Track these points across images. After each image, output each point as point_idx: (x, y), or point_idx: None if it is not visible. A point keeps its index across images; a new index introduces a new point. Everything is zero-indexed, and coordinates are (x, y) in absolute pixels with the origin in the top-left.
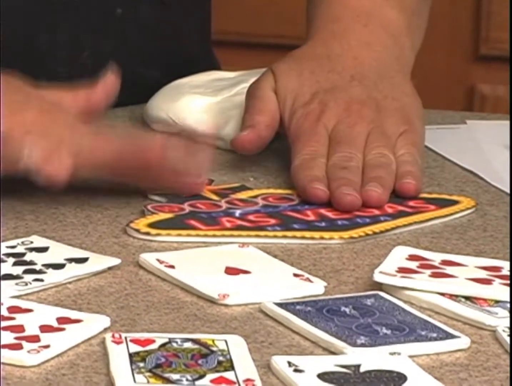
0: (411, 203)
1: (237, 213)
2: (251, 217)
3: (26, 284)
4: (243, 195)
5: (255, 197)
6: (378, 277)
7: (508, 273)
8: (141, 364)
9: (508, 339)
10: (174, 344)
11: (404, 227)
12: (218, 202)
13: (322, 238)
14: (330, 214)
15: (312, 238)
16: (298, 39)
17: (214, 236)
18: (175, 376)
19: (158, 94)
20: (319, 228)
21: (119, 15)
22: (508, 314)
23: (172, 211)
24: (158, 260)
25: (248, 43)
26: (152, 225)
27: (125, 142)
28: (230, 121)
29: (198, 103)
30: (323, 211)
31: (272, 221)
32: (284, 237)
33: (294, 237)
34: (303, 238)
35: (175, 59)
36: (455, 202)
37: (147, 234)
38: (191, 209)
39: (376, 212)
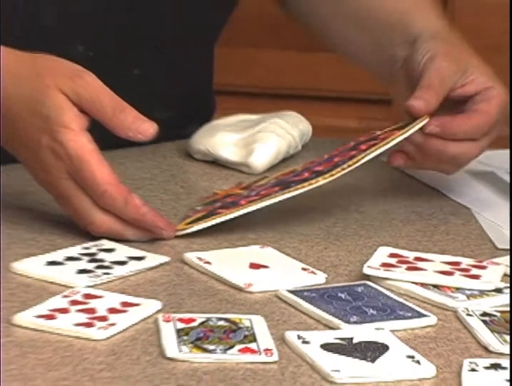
0: (382, 136)
1: (253, 193)
2: (262, 192)
3: (97, 277)
4: (261, 181)
5: (270, 179)
6: (366, 270)
7: (466, 266)
8: (185, 338)
9: (467, 318)
10: (210, 322)
11: (372, 154)
12: (243, 193)
13: (310, 184)
14: (320, 168)
15: (303, 187)
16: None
17: (231, 212)
18: (211, 347)
19: (198, 132)
20: (309, 179)
21: (136, 75)
22: (465, 298)
23: (207, 210)
24: (198, 257)
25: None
26: (189, 223)
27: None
28: (254, 152)
29: (229, 138)
30: (316, 168)
31: (276, 188)
32: (282, 194)
33: (289, 192)
34: (296, 190)
35: (184, 103)
36: (414, 119)
37: (183, 229)
38: (220, 203)
39: (353, 152)
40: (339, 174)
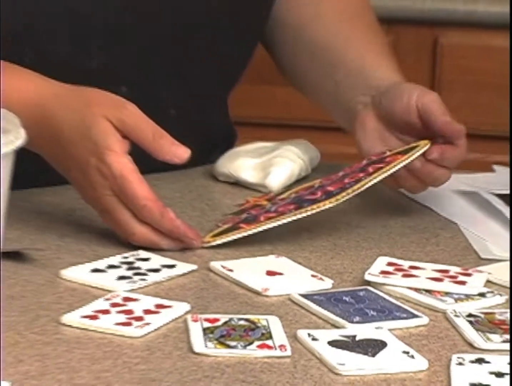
0: (388, 159)
1: (273, 208)
2: (280, 209)
3: (135, 282)
4: (284, 194)
5: (291, 193)
6: (367, 277)
7: (454, 274)
8: (211, 335)
9: (455, 318)
10: (232, 322)
11: (376, 178)
12: (266, 205)
13: (318, 207)
14: (331, 188)
15: (312, 209)
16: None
17: (250, 229)
18: (233, 343)
19: (222, 157)
20: (319, 201)
21: (172, 114)
22: (453, 301)
23: (233, 221)
24: (222, 265)
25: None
26: (214, 235)
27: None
28: (270, 174)
29: (248, 163)
30: (328, 188)
31: (291, 207)
32: (294, 215)
33: (300, 213)
34: (306, 211)
35: (211, 135)
36: (415, 146)
37: (209, 242)
38: (246, 215)
39: (361, 174)
40: (344, 199)
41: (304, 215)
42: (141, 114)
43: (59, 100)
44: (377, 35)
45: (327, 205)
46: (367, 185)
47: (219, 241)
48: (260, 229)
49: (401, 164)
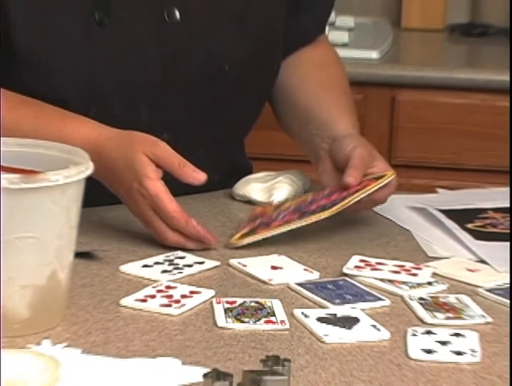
0: (363, 183)
1: (280, 216)
2: (286, 218)
3: (174, 274)
4: (286, 204)
5: (290, 204)
6: (345, 270)
7: (408, 268)
8: (230, 313)
9: (410, 301)
10: (246, 304)
11: (356, 198)
12: (273, 213)
13: (316, 217)
14: (323, 202)
15: (310, 219)
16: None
17: (264, 233)
18: (246, 319)
19: (238, 182)
20: (314, 212)
21: (201, 154)
22: (408, 288)
23: (250, 226)
24: (238, 262)
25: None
26: (238, 238)
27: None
28: (273, 195)
29: (258, 186)
30: (321, 202)
31: (295, 216)
32: (299, 222)
33: (305, 221)
34: (309, 220)
35: (231, 169)
36: (384, 175)
37: (234, 244)
38: (259, 222)
39: (344, 193)
40: (335, 212)
41: (306, 223)
42: (169, 149)
43: (110, 141)
44: (347, 97)
45: (323, 215)
46: (350, 202)
47: (244, 243)
48: (274, 233)
49: (376, 187)
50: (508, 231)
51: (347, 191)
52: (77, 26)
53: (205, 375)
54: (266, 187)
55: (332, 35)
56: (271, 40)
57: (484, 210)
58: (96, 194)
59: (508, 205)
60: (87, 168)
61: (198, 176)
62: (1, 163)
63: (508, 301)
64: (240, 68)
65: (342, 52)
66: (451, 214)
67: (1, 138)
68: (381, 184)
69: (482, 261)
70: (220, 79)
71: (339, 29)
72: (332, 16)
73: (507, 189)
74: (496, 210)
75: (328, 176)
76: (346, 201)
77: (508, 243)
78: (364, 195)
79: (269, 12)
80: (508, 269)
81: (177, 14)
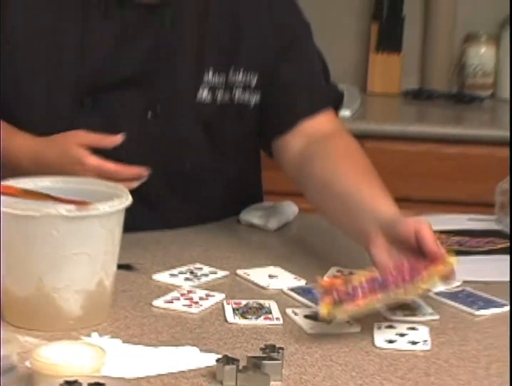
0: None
1: (359, 291)
2: (367, 295)
3: (194, 282)
4: (355, 280)
5: (361, 280)
6: (325, 278)
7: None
8: (237, 312)
9: None
10: (249, 304)
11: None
12: (346, 288)
13: (396, 296)
14: (400, 281)
15: (394, 296)
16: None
17: (352, 310)
18: (249, 316)
19: (242, 212)
20: (398, 289)
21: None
22: None
23: (330, 299)
24: (244, 272)
25: None
26: (327, 309)
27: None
28: (269, 221)
29: (257, 214)
30: (399, 280)
31: (377, 293)
32: (382, 301)
33: (386, 300)
34: (391, 299)
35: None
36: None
37: (330, 316)
38: (337, 294)
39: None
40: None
41: (392, 300)
42: (87, 133)
43: (46, 143)
44: (378, 179)
45: (408, 296)
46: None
47: (343, 316)
48: (367, 307)
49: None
50: (452, 249)
51: (417, 271)
52: (65, 103)
53: (217, 360)
54: (263, 215)
55: None
56: (236, 152)
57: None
58: (134, 221)
59: (451, 228)
60: (127, 200)
61: (115, 139)
62: (59, 196)
63: (452, 302)
64: (200, 169)
65: None
66: None
67: (53, 176)
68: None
69: None
70: (179, 170)
71: None
72: None
73: (449, 216)
74: (443, 231)
75: (382, 255)
76: (424, 283)
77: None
78: (436, 279)
79: (240, 127)
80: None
81: (158, 111)
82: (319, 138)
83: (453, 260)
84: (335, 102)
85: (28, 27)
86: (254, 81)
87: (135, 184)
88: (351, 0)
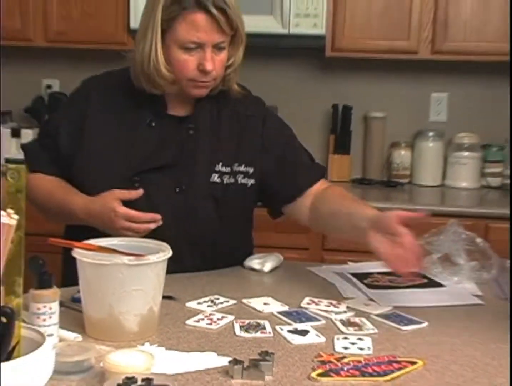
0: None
1: (345, 368)
2: (350, 372)
3: (213, 308)
4: (346, 360)
5: (350, 360)
6: (302, 305)
7: (335, 303)
8: (242, 328)
9: (336, 321)
10: (250, 323)
11: (397, 375)
12: (337, 363)
13: (368, 381)
14: (376, 369)
15: (367, 381)
16: None
17: (334, 379)
18: (251, 331)
19: (245, 260)
20: (371, 375)
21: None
22: (334, 314)
23: (323, 368)
24: (247, 301)
25: None
26: (317, 375)
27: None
28: (264, 266)
29: (256, 261)
30: (375, 368)
31: (357, 373)
32: (359, 379)
33: (362, 380)
34: (365, 380)
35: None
36: (415, 362)
37: (316, 379)
38: (329, 366)
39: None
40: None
41: (366, 381)
42: (120, 191)
43: (94, 200)
44: (358, 200)
45: (377, 381)
46: (395, 375)
47: (324, 381)
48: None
49: (408, 369)
50: (387, 284)
51: (392, 367)
52: (122, 181)
53: (229, 362)
54: (260, 262)
55: None
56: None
57: (372, 273)
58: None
59: (385, 270)
60: (168, 253)
61: (136, 193)
62: (123, 250)
63: (387, 321)
64: (211, 232)
65: None
66: (355, 275)
67: (121, 237)
68: (412, 369)
69: (372, 300)
70: (196, 232)
71: None
72: None
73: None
74: (379, 273)
75: (381, 244)
76: (395, 375)
77: (384, 290)
78: (402, 373)
79: (240, 201)
80: (389, 304)
81: (183, 188)
82: (320, 193)
83: (420, 364)
84: (322, 173)
85: (100, 135)
86: (251, 171)
87: (152, 226)
88: (316, 121)
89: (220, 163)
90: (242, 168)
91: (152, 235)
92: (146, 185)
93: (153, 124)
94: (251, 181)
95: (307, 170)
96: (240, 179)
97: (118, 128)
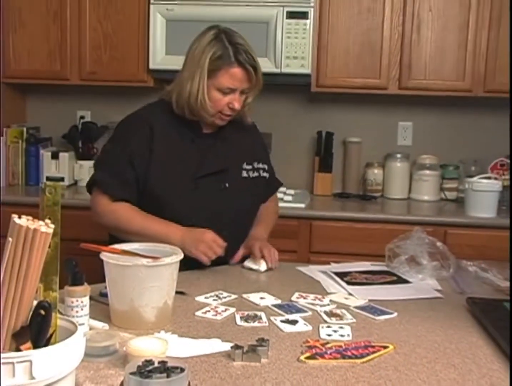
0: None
1: (329, 352)
2: (333, 355)
3: (218, 301)
4: (330, 345)
5: (332, 345)
6: (292, 299)
7: (320, 297)
8: (242, 319)
9: (321, 313)
10: (249, 314)
11: (371, 357)
12: (322, 348)
13: (349, 362)
14: (354, 352)
15: (348, 362)
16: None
17: (324, 361)
18: (249, 321)
19: (244, 261)
20: (351, 357)
21: (225, 235)
22: (319, 306)
23: (310, 352)
24: (246, 295)
25: None
26: (306, 357)
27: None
28: (260, 266)
29: (253, 262)
30: (353, 351)
31: (338, 355)
32: (341, 361)
33: (343, 361)
34: (347, 362)
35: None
36: (387, 346)
37: (304, 362)
38: (315, 351)
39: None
40: (361, 362)
41: (347, 362)
42: (215, 236)
43: (188, 231)
44: (272, 218)
45: (357, 362)
46: (371, 357)
47: (312, 363)
48: (332, 362)
49: (382, 352)
50: (363, 281)
51: (368, 350)
52: (185, 185)
53: (231, 347)
54: (257, 263)
55: (280, 195)
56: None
57: (351, 272)
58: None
59: (362, 269)
60: (181, 255)
61: (222, 244)
62: (143, 253)
63: (363, 312)
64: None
65: (288, 204)
66: (337, 273)
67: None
68: (385, 353)
69: (350, 294)
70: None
71: (287, 195)
72: (283, 189)
73: (361, 263)
74: (356, 271)
75: (256, 246)
76: (370, 357)
77: (361, 287)
78: (376, 356)
79: (257, 192)
80: (365, 298)
81: (227, 185)
82: (269, 201)
83: (391, 348)
84: (278, 187)
85: (164, 151)
86: (266, 167)
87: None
88: (304, 145)
89: (245, 163)
90: (260, 165)
91: (208, 222)
92: (201, 188)
93: (193, 140)
94: (267, 176)
95: (274, 181)
96: (262, 173)
97: (174, 145)
